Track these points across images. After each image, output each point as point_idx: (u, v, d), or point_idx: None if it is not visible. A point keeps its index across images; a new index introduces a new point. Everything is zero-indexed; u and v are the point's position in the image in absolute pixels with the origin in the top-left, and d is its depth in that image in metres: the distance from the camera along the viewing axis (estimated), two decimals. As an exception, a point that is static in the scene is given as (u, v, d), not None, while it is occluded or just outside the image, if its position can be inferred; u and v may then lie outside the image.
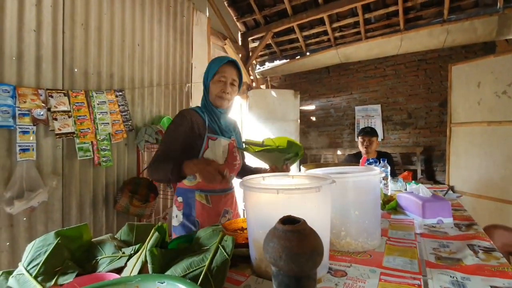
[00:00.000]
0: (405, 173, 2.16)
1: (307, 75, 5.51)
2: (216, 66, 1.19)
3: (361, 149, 2.55)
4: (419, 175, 4.46)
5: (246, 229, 1.13)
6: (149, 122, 2.47)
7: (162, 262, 0.67)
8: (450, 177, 3.33)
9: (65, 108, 1.83)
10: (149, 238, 0.69)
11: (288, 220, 0.30)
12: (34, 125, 1.70)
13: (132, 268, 0.67)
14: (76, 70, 1.97)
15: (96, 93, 2.03)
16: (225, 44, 3.75)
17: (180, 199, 1.26)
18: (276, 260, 0.26)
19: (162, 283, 0.55)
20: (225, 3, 4.00)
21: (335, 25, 4.09)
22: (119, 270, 0.71)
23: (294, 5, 3.80)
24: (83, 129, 1.92)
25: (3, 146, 1.62)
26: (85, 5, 2.02)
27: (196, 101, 3.06)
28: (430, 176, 4.55)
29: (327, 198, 0.79)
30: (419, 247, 0.98)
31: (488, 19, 3.37)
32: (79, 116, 1.91)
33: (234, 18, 4.19)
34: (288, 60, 4.88)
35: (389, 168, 1.93)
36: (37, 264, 0.66)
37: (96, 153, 1.99)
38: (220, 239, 0.70)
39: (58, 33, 1.88)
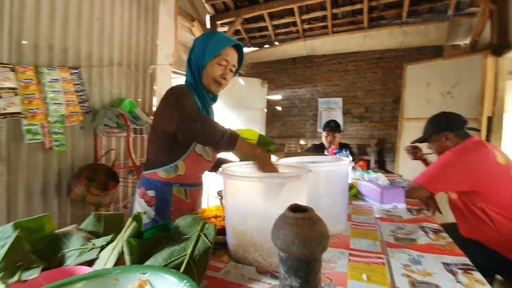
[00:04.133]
0: (361, 162, 2.33)
1: (274, 64, 5.56)
2: (219, 47, 1.04)
3: (325, 142, 2.68)
4: (372, 165, 4.86)
5: (219, 216, 1.13)
6: (109, 105, 2.28)
7: (140, 253, 0.64)
8: (399, 167, 3.69)
9: (11, 85, 1.60)
10: (125, 227, 0.66)
11: (296, 208, 0.31)
12: (-31, 102, 1.46)
13: (107, 260, 0.63)
14: (25, 42, 1.72)
15: (48, 70, 1.81)
16: (193, 26, 3.58)
17: (151, 193, 1.09)
18: (289, 246, 0.27)
19: (144, 273, 0.53)
20: (193, -18, 3.79)
21: (304, 17, 4.14)
22: (90, 263, 0.67)
23: (265, -8, 3.76)
24: (31, 109, 1.71)
25: None
26: (32, -33, 1.76)
27: (160, 84, 2.90)
28: (381, 166, 4.98)
29: (304, 186, 0.83)
30: (379, 229, 1.08)
31: (440, 24, 3.71)
32: (28, 94, 1.69)
33: (203, -1, 4.01)
34: (257, 48, 4.85)
35: (351, 158, 2.08)
36: (-4, 258, 0.59)
37: (47, 136, 1.78)
38: (202, 227, 0.70)
39: (5, 1, 1.61)
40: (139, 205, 1.11)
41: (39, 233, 0.72)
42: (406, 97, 3.66)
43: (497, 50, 2.75)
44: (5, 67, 1.61)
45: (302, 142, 5.46)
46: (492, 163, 1.39)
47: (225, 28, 4.40)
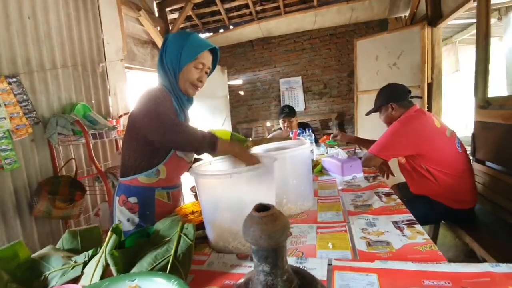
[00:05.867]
0: (324, 137, 2.49)
1: (232, 49, 5.49)
2: (196, 51, 1.03)
3: (283, 128, 2.81)
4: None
5: (196, 212, 1.18)
6: (60, 111, 2.13)
7: (124, 262, 0.68)
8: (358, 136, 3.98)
9: None
10: (106, 241, 0.68)
11: (260, 207, 0.37)
12: None
13: (92, 274, 0.66)
14: None
15: (-20, 81, 1.63)
16: (140, 16, 3.37)
17: (133, 199, 1.08)
18: (257, 240, 0.33)
19: (133, 280, 0.57)
20: (133, -34, 3.51)
21: (255, -2, 4.11)
22: (75, 281, 0.69)
23: (213, -26, 3.63)
24: (-31, 127, 1.55)
25: None
26: None
27: (113, 82, 2.74)
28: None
29: (271, 174, 0.90)
30: (341, 200, 1.22)
31: (382, -1, 3.92)
32: (-40, 112, 1.52)
33: (146, -16, 3.75)
34: (212, 33, 4.73)
35: (313, 136, 2.21)
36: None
37: (-6, 155, 1.64)
38: (181, 228, 0.74)
39: None
40: (121, 213, 1.09)
41: (15, 261, 0.71)
42: (358, 71, 3.88)
43: (432, 20, 3.01)
44: None
45: (268, 124, 5.58)
46: (432, 128, 1.59)
47: (175, 15, 4.20)
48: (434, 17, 3.00)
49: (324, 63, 5.27)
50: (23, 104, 1.83)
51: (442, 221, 1.83)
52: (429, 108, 3.07)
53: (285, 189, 1.10)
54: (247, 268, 0.73)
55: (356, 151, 2.28)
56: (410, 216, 0.95)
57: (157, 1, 3.98)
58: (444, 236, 2.17)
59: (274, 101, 5.63)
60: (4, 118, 1.69)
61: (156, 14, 3.93)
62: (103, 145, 2.55)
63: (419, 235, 0.81)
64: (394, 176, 1.84)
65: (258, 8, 4.33)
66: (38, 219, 1.87)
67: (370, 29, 4.86)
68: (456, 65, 4.26)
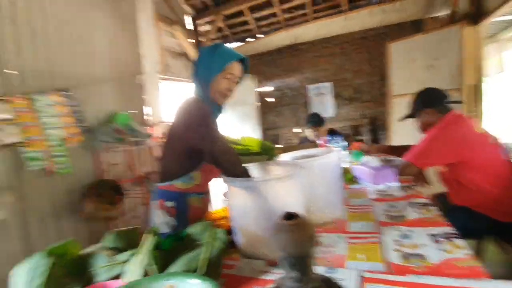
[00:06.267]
0: (356, 144, 2.40)
1: (261, 57, 5.58)
2: (224, 63, 1.09)
3: (311, 136, 2.76)
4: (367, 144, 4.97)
5: (226, 217, 1.22)
6: (104, 121, 2.33)
7: (162, 262, 0.73)
8: (392, 143, 3.80)
9: (6, 116, 1.65)
10: (147, 241, 0.74)
11: (287, 216, 0.39)
12: (-30, 138, 1.51)
13: (133, 272, 0.71)
14: (11, 71, 1.75)
15: (38, 96, 1.85)
16: (174, 30, 3.58)
17: (170, 203, 1.14)
18: (285, 248, 0.35)
19: (169, 280, 0.62)
20: (168, -16, 3.76)
21: (284, 6, 4.15)
22: (118, 277, 0.75)
23: (242, -14, 3.75)
24: (29, 137, 1.76)
25: None
26: (9, -4, 1.77)
27: (149, 93, 2.93)
28: (375, 144, 5.11)
29: (297, 183, 0.91)
30: (374, 210, 1.18)
31: (415, -1, 3.76)
32: (23, 122, 1.74)
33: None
34: (241, 43, 4.86)
35: (346, 143, 2.16)
36: (38, 286, 0.67)
37: (49, 161, 1.84)
38: (213, 232, 0.78)
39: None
40: (158, 216, 1.16)
41: (67, 257, 0.80)
42: (392, 75, 3.73)
43: (474, 18, 2.82)
44: (-3, 99, 1.65)
45: (296, 130, 5.55)
46: (473, 133, 1.48)
47: (207, 27, 4.39)
48: (477, 14, 2.80)
49: (355, 67, 5.14)
50: (75, 114, 2.03)
51: (488, 235, 1.68)
52: (470, 113, 2.85)
53: (313, 197, 1.10)
54: (276, 275, 0.74)
55: (390, 158, 2.18)
56: (449, 228, 0.90)
57: (190, 15, 4.20)
58: (491, 251, 1.98)
59: (302, 108, 5.59)
60: (59, 127, 1.89)
61: (189, 27, 4.14)
62: (139, 152, 2.72)
63: (460, 250, 0.76)
64: (430, 186, 1.74)
65: (287, 15, 4.37)
66: (84, 219, 2.05)
67: (403, 31, 4.65)
68: (500, 66, 3.90)
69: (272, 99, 5.77)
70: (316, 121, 2.72)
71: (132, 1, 2.77)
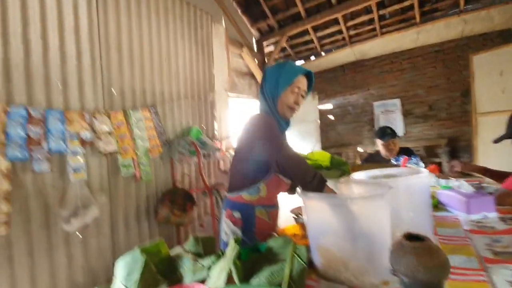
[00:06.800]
0: (432, 166, 2.11)
1: (322, 74, 5.53)
2: (292, 77, 1.14)
3: (384, 152, 2.41)
4: (444, 168, 4.38)
5: (297, 235, 1.19)
6: (180, 134, 2.57)
7: (243, 273, 0.74)
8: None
9: (107, 128, 1.95)
10: (230, 249, 0.76)
11: (410, 237, 0.35)
12: (82, 146, 1.82)
13: (217, 278, 0.74)
14: (113, 90, 2.09)
15: (133, 111, 2.15)
16: (242, 52, 3.83)
17: (237, 214, 1.17)
18: (414, 273, 0.32)
19: (256, 291, 0.62)
20: (238, 10, 4.09)
21: (349, 23, 4.09)
22: (202, 281, 0.78)
23: (307, 7, 3.84)
24: (124, 146, 2.04)
25: (56, 169, 1.74)
26: (116, 28, 2.14)
27: (218, 109, 3.14)
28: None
29: (387, 203, 0.84)
30: (472, 244, 1.01)
31: (504, 7, 3.30)
32: (120, 134, 2.03)
33: (248, 24, 4.27)
34: (303, 61, 4.91)
35: (422, 164, 1.94)
36: (135, 281, 0.74)
37: (137, 169, 2.10)
38: (294, 248, 0.76)
39: (96, 57, 2.00)
40: (226, 225, 1.20)
41: (158, 256, 0.87)
42: (476, 90, 3.29)
43: None
44: (102, 114, 1.97)
45: (359, 149, 5.23)
46: None
47: (271, 48, 4.58)
48: None
49: (428, 83, 4.68)
50: (158, 128, 2.29)
51: None
52: None
53: (399, 222, 0.99)
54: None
55: (483, 184, 1.87)
56: None
57: (256, 38, 4.46)
58: None
59: (366, 125, 5.28)
60: (146, 139, 2.16)
61: (255, 49, 4.38)
62: (208, 164, 2.90)
63: None
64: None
65: (352, 32, 4.28)
66: (160, 223, 2.24)
67: (489, 41, 4.08)
68: None
69: (331, 117, 5.61)
70: (391, 134, 2.37)
71: (208, 28, 3.08)
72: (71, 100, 1.85)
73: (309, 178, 0.96)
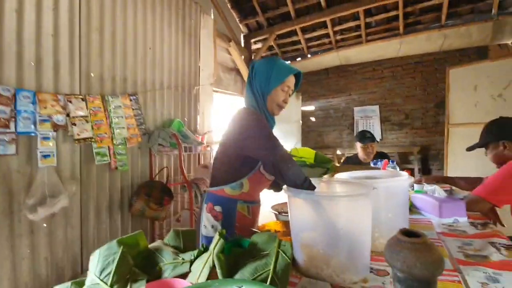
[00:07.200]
0: (405, 171, 2.21)
1: (307, 76, 5.59)
2: (285, 75, 1.13)
3: (362, 155, 2.56)
4: (416, 174, 4.61)
5: (278, 231, 1.19)
6: (161, 125, 2.49)
7: (226, 267, 0.72)
8: (449, 174, 3.47)
9: (83, 113, 1.84)
10: (214, 244, 0.74)
11: (407, 233, 0.35)
12: (54, 131, 1.70)
13: (200, 273, 0.71)
14: (92, 74, 1.97)
15: (112, 98, 2.04)
16: (230, 46, 3.78)
17: (218, 208, 1.16)
18: (411, 268, 0.32)
19: (239, 286, 0.60)
20: (228, 5, 4.03)
21: (336, 28, 4.17)
22: (183, 276, 0.75)
23: (298, 8, 3.86)
24: (100, 134, 1.93)
25: (24, 153, 1.62)
26: (99, 10, 2.02)
27: (202, 103, 3.08)
28: (426, 174, 4.71)
29: (369, 203, 0.85)
30: (445, 245, 1.06)
31: (483, 25, 3.52)
32: (96, 121, 1.92)
33: (237, 19, 4.22)
34: (289, 61, 4.94)
35: (398, 168, 2.02)
36: (109, 273, 0.70)
37: (113, 158, 2.00)
38: (279, 244, 0.76)
39: (75, 38, 1.88)
40: (207, 219, 1.18)
41: (136, 248, 0.83)
42: (451, 102, 3.48)
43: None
44: (78, 97, 1.85)
45: (338, 152, 5.37)
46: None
47: (259, 45, 4.56)
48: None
49: (406, 92, 4.89)
50: (137, 117, 2.20)
51: None
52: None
53: (378, 222, 1.02)
54: (344, 300, 0.69)
55: (452, 190, 1.98)
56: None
57: (244, 34, 4.42)
58: None
59: (346, 129, 5.43)
60: (124, 127, 2.06)
61: (242, 44, 4.34)
62: (188, 158, 2.83)
63: None
64: (504, 226, 1.53)
65: (339, 37, 4.37)
66: (134, 216, 2.15)
67: (466, 57, 4.35)
68: None
69: (313, 119, 5.70)
70: (370, 137, 2.52)
71: (196, 19, 3.00)
72: (44, 81, 1.72)
73: (300, 181, 0.96)
